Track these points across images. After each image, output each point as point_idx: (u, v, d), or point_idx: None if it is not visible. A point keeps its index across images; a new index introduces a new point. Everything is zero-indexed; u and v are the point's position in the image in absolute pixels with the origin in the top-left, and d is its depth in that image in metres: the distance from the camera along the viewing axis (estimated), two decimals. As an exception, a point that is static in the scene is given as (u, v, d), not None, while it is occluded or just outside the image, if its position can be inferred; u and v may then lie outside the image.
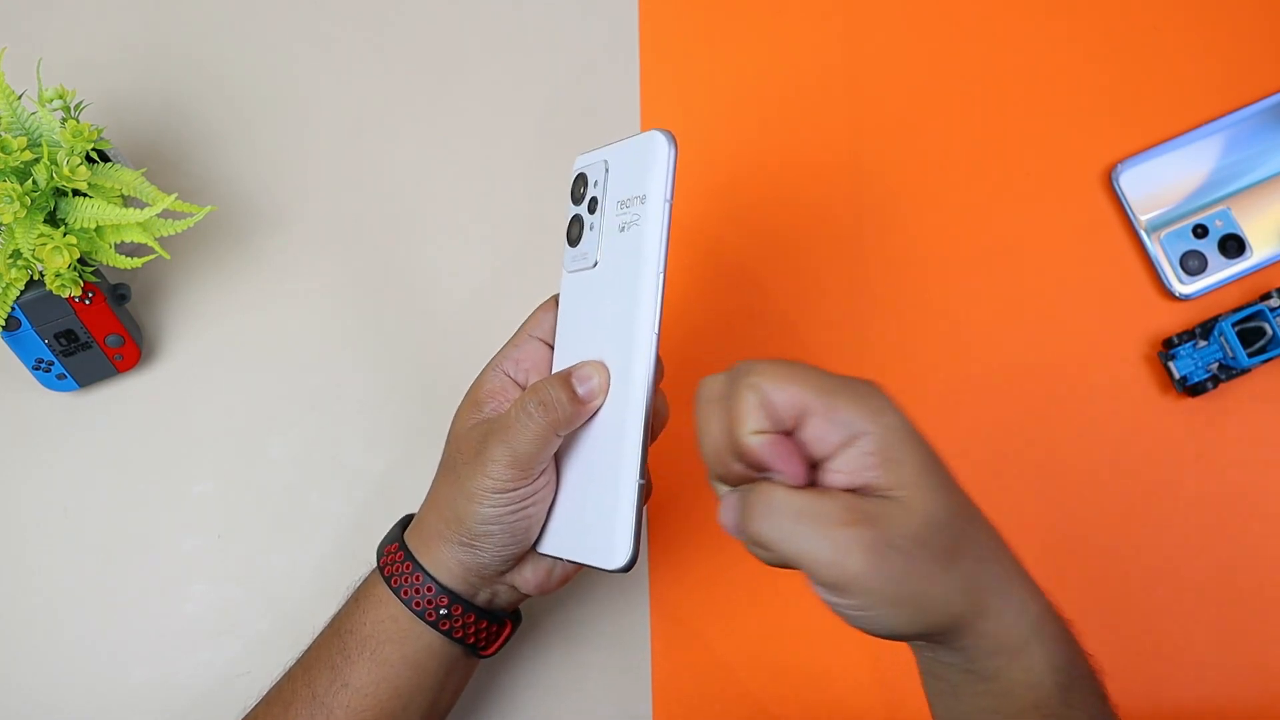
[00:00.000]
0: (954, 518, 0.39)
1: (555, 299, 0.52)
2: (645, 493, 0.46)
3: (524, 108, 0.68)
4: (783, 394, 0.39)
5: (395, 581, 0.51)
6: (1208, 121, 0.64)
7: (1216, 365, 0.62)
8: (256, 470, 0.65)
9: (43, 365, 0.63)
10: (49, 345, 0.62)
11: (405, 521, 0.55)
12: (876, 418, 0.39)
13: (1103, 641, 0.61)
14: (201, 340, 0.66)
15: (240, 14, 0.70)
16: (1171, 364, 0.62)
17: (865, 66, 0.67)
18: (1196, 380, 0.62)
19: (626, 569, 0.45)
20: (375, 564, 0.53)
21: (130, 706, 0.62)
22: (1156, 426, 0.63)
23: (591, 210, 0.48)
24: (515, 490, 0.48)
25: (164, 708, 0.62)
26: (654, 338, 0.46)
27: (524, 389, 0.50)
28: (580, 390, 0.47)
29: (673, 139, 0.45)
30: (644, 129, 0.67)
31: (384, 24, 0.69)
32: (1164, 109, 0.65)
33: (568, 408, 0.47)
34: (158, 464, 0.65)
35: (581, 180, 0.49)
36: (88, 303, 0.61)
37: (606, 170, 0.48)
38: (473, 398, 0.51)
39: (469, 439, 0.49)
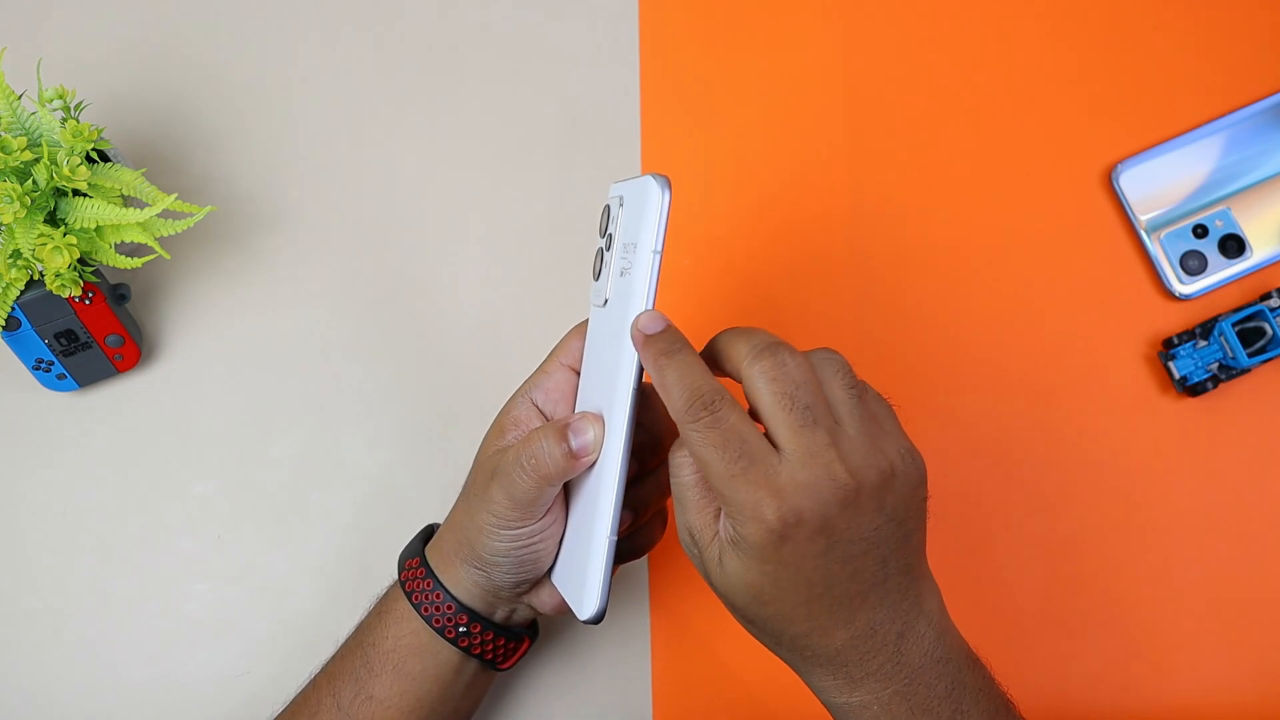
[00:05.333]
0: (753, 614, 0.44)
1: (580, 325, 0.51)
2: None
3: (523, 108, 0.68)
4: (696, 462, 0.43)
5: (416, 598, 0.51)
6: (1208, 121, 0.64)
7: (1216, 365, 0.62)
8: (256, 470, 0.65)
9: (43, 365, 0.63)
10: (49, 345, 0.62)
11: (427, 533, 0.55)
12: (740, 528, 0.42)
13: (1101, 641, 0.62)
14: (201, 340, 0.66)
15: (241, 14, 0.70)
16: (1171, 364, 0.62)
17: (865, 67, 0.67)
18: (1196, 380, 0.62)
19: (594, 621, 0.45)
20: (397, 574, 0.54)
21: (130, 706, 0.62)
22: (1156, 426, 0.63)
23: (608, 247, 0.47)
24: (519, 529, 0.48)
25: (164, 708, 0.62)
26: (633, 401, 0.45)
27: (549, 419, 0.50)
28: (574, 445, 0.46)
29: (666, 185, 0.43)
30: (644, 131, 0.68)
31: (384, 23, 0.69)
32: (1164, 109, 0.65)
33: (560, 464, 0.46)
34: (158, 464, 0.65)
35: (605, 212, 0.47)
36: (88, 303, 0.61)
37: (621, 205, 0.46)
38: (499, 424, 0.51)
39: (484, 469, 0.49)
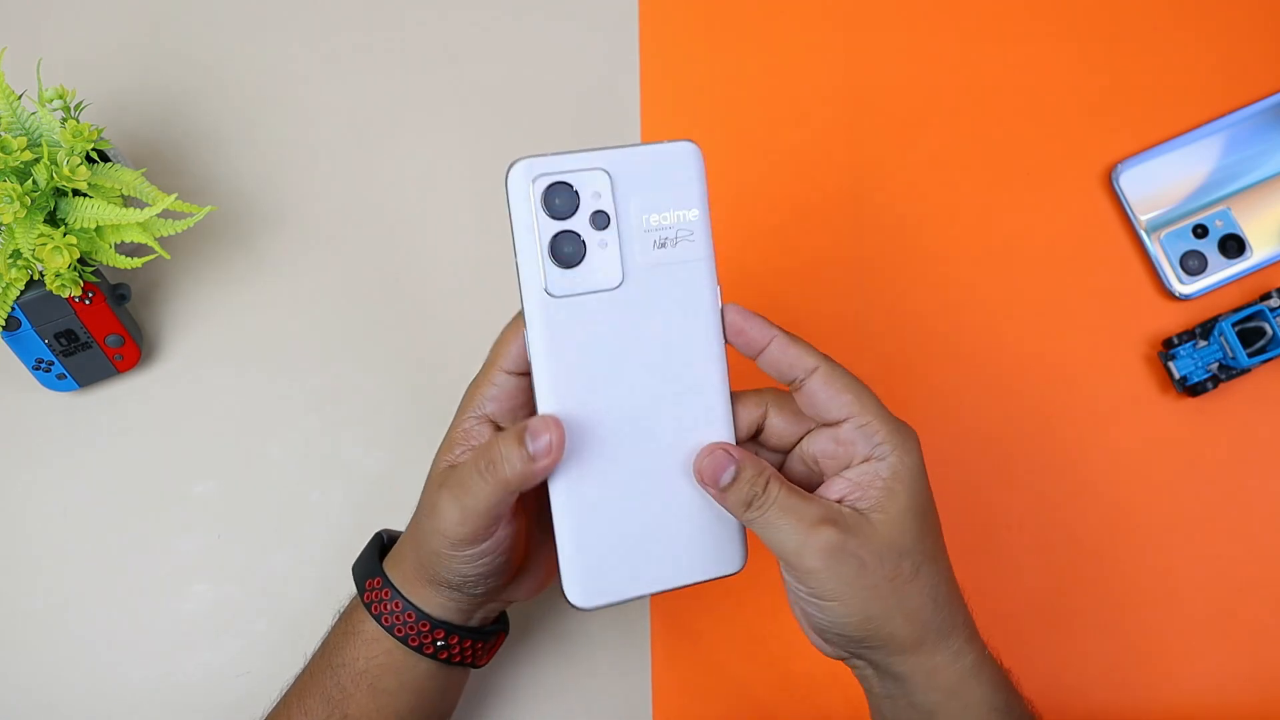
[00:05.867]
0: (917, 554, 0.44)
1: (515, 326, 0.48)
2: None
3: (524, 110, 0.68)
4: (840, 397, 0.45)
5: (387, 620, 0.50)
6: (1208, 121, 0.65)
7: (1216, 365, 0.62)
8: (256, 470, 0.65)
9: (43, 365, 0.63)
10: (49, 345, 0.62)
11: (379, 543, 0.53)
12: (900, 454, 0.44)
13: (1102, 641, 0.62)
14: (201, 340, 0.66)
15: (241, 14, 0.70)
16: (1171, 364, 0.62)
17: (865, 68, 0.67)
18: (1196, 380, 0.62)
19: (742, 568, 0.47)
20: (356, 591, 0.52)
21: (130, 706, 0.62)
22: (1156, 426, 0.63)
23: (599, 226, 0.45)
24: (474, 548, 0.46)
25: (164, 708, 0.62)
26: (724, 364, 0.46)
27: (518, 419, 0.48)
28: (532, 448, 0.43)
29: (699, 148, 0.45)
30: (644, 131, 0.68)
31: (385, 23, 0.69)
32: (1164, 109, 0.65)
33: (518, 467, 0.44)
34: (158, 464, 0.65)
35: (564, 191, 0.44)
36: (88, 303, 0.61)
37: (611, 180, 0.44)
38: (449, 440, 0.49)
39: (432, 486, 0.48)
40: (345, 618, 0.52)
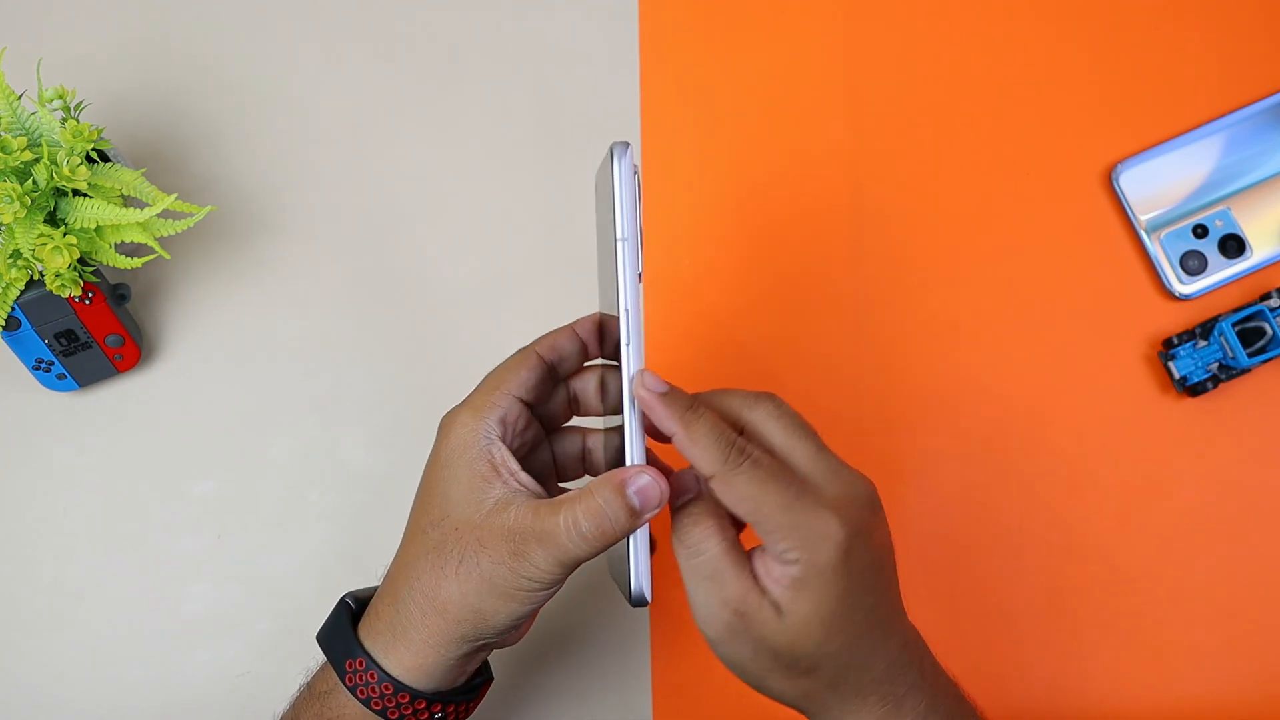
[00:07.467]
0: (817, 656, 0.43)
1: (525, 355, 0.48)
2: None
3: (525, 109, 0.68)
4: (738, 507, 0.43)
5: (377, 704, 0.46)
6: (1208, 121, 0.64)
7: (1216, 365, 0.62)
8: (256, 470, 0.65)
9: (43, 365, 0.63)
10: (49, 345, 0.62)
11: (349, 612, 0.49)
12: (811, 556, 0.42)
13: (1101, 642, 0.62)
14: (201, 340, 0.66)
15: (241, 14, 0.70)
16: (1171, 364, 0.62)
17: (865, 68, 0.67)
18: (1196, 380, 0.62)
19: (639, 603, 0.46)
20: (333, 666, 0.48)
21: (130, 706, 0.62)
22: (1156, 426, 0.63)
23: (638, 224, 0.45)
24: (554, 589, 0.45)
25: (164, 707, 0.62)
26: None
27: (512, 451, 0.47)
28: (636, 503, 0.43)
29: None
30: (644, 130, 0.68)
31: (385, 23, 0.69)
32: (1164, 109, 0.65)
33: (624, 524, 0.43)
34: (158, 464, 0.65)
35: (638, 178, 0.44)
36: (88, 303, 0.61)
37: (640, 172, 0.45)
38: (479, 474, 0.46)
39: (494, 534, 0.45)
40: (320, 699, 0.49)
